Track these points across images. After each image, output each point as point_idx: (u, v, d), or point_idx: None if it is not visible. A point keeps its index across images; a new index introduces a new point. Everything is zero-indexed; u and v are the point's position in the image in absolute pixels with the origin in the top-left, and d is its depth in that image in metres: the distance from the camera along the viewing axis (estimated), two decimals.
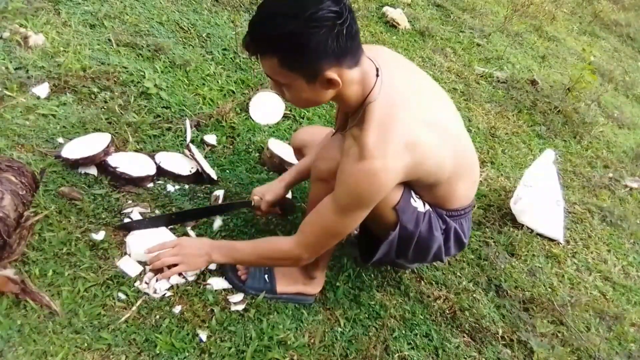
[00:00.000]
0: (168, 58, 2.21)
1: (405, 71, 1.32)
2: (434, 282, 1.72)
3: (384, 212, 1.30)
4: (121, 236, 1.47)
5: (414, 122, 1.19)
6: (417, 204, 1.34)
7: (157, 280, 1.39)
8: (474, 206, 1.53)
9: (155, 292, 1.37)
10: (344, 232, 1.28)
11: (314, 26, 1.04)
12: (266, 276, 1.49)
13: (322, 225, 1.27)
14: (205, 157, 1.85)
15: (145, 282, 1.38)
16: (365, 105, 1.19)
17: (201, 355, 1.29)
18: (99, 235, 1.45)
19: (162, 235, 1.49)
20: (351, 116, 1.26)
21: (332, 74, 1.11)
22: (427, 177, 1.28)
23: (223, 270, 1.49)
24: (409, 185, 1.32)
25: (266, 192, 1.59)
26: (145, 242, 1.44)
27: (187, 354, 1.28)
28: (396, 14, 3.32)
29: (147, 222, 1.51)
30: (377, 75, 1.20)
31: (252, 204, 1.60)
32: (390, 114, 1.17)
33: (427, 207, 1.37)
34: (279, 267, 1.51)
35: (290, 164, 1.90)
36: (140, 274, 1.40)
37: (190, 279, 1.44)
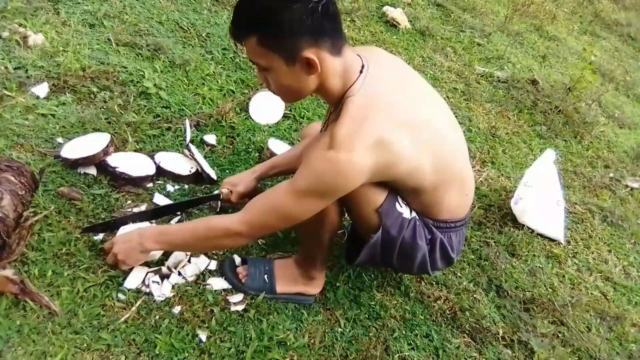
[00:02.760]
0: (168, 58, 2.20)
1: (396, 72, 1.31)
2: (434, 283, 1.71)
3: (366, 214, 1.29)
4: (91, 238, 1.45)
5: (389, 121, 1.17)
6: (403, 209, 1.32)
7: (159, 284, 1.39)
8: (468, 222, 1.49)
9: (159, 295, 1.37)
10: (293, 217, 1.23)
11: (289, 0, 1.07)
12: (266, 276, 1.48)
13: (273, 205, 1.23)
14: (205, 157, 1.85)
15: (146, 286, 1.38)
16: (344, 98, 1.19)
17: (201, 355, 1.29)
18: (99, 236, 1.45)
19: None
20: (332, 111, 1.26)
21: (310, 54, 1.12)
22: (404, 180, 1.25)
23: (222, 270, 1.49)
24: (395, 190, 1.31)
25: (237, 183, 1.57)
26: None
27: (186, 354, 1.27)
28: (396, 14, 3.31)
29: (111, 224, 1.47)
30: (361, 72, 1.20)
31: (221, 197, 1.57)
32: (366, 109, 1.16)
33: (414, 214, 1.35)
34: (280, 268, 1.50)
35: None
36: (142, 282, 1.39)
37: (190, 279, 1.44)
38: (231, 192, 1.59)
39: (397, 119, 1.18)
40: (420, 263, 1.38)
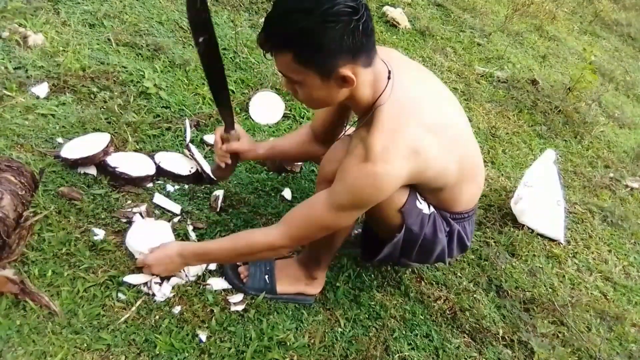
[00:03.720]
0: (168, 58, 2.20)
1: (416, 75, 1.32)
2: (434, 283, 1.71)
3: (389, 214, 1.30)
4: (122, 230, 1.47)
5: (421, 128, 1.18)
6: (422, 206, 1.34)
7: (159, 285, 1.39)
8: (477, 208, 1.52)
9: (161, 296, 1.37)
10: (334, 228, 1.27)
11: (330, 21, 1.04)
12: (266, 277, 1.48)
13: (313, 219, 1.25)
14: (205, 157, 1.84)
15: (148, 287, 1.38)
16: (375, 107, 1.18)
17: (201, 355, 1.29)
18: (99, 235, 1.45)
19: (162, 232, 1.48)
20: (360, 117, 1.25)
21: (347, 71, 1.11)
22: (432, 182, 1.28)
23: (223, 270, 1.49)
24: (415, 188, 1.32)
25: (241, 137, 1.52)
26: (143, 237, 1.44)
27: (186, 354, 1.27)
28: (396, 14, 3.31)
29: None
30: (389, 78, 1.20)
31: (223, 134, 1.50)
32: (399, 118, 1.16)
33: (432, 209, 1.36)
34: (281, 268, 1.51)
35: (290, 164, 1.89)
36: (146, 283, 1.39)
37: (192, 278, 1.43)
38: (224, 143, 1.50)
39: (427, 124, 1.19)
40: (439, 254, 1.42)
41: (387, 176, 1.15)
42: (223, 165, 1.52)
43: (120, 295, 1.34)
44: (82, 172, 1.60)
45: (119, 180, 1.61)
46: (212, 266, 1.49)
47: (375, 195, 1.18)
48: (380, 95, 1.18)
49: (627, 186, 2.67)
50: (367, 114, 1.20)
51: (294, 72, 1.13)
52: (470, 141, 1.37)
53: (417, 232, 1.33)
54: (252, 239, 1.32)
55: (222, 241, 1.39)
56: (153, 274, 1.38)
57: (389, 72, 1.21)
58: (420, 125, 1.18)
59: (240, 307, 1.42)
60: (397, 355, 1.45)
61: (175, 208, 1.61)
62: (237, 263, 1.51)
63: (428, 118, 1.21)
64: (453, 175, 1.28)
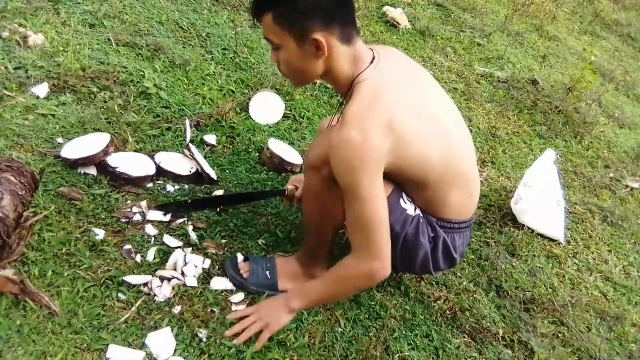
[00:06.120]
0: (168, 58, 2.20)
1: (407, 68, 1.33)
2: (434, 283, 1.71)
3: None
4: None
5: (400, 105, 1.20)
6: (407, 206, 1.34)
7: (160, 285, 1.39)
8: (472, 225, 1.48)
9: (161, 296, 1.37)
10: (378, 214, 1.20)
11: None
12: (268, 272, 1.48)
13: (359, 221, 1.22)
14: (205, 157, 1.85)
15: (148, 287, 1.38)
16: (354, 84, 1.23)
17: (201, 355, 1.28)
18: (99, 235, 1.45)
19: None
20: (343, 98, 1.29)
21: (319, 36, 1.17)
22: (411, 168, 1.25)
23: (224, 267, 1.49)
24: (400, 186, 1.32)
25: (302, 182, 1.56)
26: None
27: (187, 354, 1.27)
28: (396, 14, 3.31)
29: (185, 206, 1.60)
30: (372, 63, 1.24)
31: (286, 193, 1.61)
32: (376, 92, 1.19)
33: (418, 211, 1.36)
34: (281, 265, 1.51)
35: (290, 164, 1.89)
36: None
37: (192, 281, 1.43)
38: (296, 188, 1.59)
39: (405, 105, 1.21)
40: (422, 261, 1.39)
41: (364, 142, 1.14)
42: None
43: (120, 295, 1.34)
44: (82, 172, 1.60)
45: (119, 180, 1.61)
46: (207, 264, 1.49)
47: (360, 156, 1.15)
48: (359, 74, 1.22)
49: (627, 186, 2.67)
50: (348, 92, 1.24)
51: (273, 34, 1.20)
52: (456, 141, 1.32)
53: (398, 230, 1.31)
54: (344, 270, 1.30)
55: (322, 280, 1.37)
56: (266, 333, 1.33)
57: (373, 58, 1.25)
58: (397, 102, 1.20)
59: (240, 307, 1.42)
60: (397, 355, 1.45)
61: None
62: (237, 260, 1.51)
63: (407, 101, 1.22)
64: (435, 169, 1.26)
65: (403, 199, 1.33)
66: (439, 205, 1.35)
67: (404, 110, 1.20)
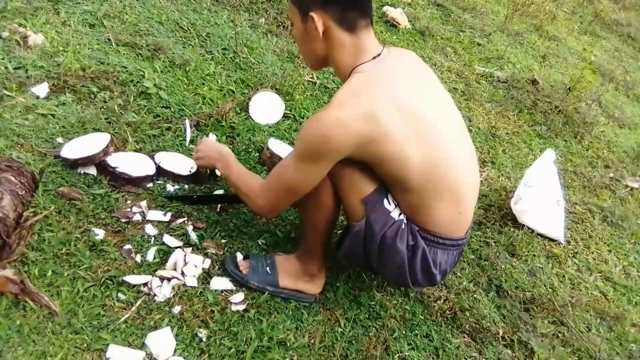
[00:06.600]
0: (167, 58, 2.20)
1: (414, 70, 1.33)
2: None
3: (352, 202, 1.30)
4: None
5: (386, 101, 1.19)
6: (391, 208, 1.31)
7: (160, 285, 1.39)
8: (462, 246, 1.42)
9: (161, 296, 1.37)
10: (298, 187, 1.29)
11: None
12: (268, 269, 1.49)
13: (280, 175, 1.31)
14: None
15: (148, 287, 1.38)
16: (352, 74, 1.25)
17: (201, 355, 1.29)
18: (99, 235, 1.45)
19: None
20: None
21: (315, 14, 1.21)
22: (389, 163, 1.22)
23: (224, 265, 1.49)
24: (385, 186, 1.31)
25: None
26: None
27: (187, 354, 1.27)
28: (396, 14, 3.31)
29: (190, 199, 1.66)
30: (376, 58, 1.25)
31: None
32: (368, 83, 1.21)
33: (402, 217, 1.32)
34: (281, 263, 1.51)
35: None
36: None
37: (192, 280, 1.44)
38: None
39: (396, 103, 1.20)
40: (398, 268, 1.34)
41: (335, 121, 1.15)
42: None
43: (120, 295, 1.34)
44: (82, 172, 1.60)
45: (119, 180, 1.61)
46: (207, 264, 1.49)
47: (324, 140, 1.17)
48: (360, 65, 1.24)
49: (627, 186, 2.67)
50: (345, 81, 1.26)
51: (290, 10, 1.29)
52: (450, 152, 1.27)
53: (377, 230, 1.29)
54: (251, 180, 1.42)
55: (241, 169, 1.47)
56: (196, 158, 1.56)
57: (379, 54, 1.26)
58: (387, 98, 1.19)
59: (240, 307, 1.42)
60: (397, 355, 1.45)
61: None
62: (237, 259, 1.52)
63: (400, 100, 1.21)
64: (415, 173, 1.22)
65: (388, 200, 1.31)
66: (422, 213, 1.31)
67: (393, 107, 1.18)
